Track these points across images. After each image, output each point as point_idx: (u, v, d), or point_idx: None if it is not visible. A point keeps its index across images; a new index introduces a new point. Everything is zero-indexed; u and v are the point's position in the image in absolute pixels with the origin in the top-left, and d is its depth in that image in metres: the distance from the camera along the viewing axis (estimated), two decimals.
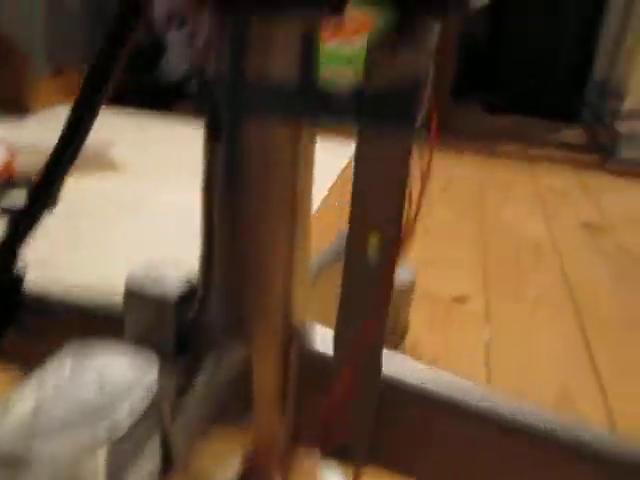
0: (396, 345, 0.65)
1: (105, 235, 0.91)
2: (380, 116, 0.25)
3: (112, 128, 1.48)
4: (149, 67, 2.09)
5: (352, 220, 0.27)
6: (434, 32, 0.25)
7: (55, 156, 0.32)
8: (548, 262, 0.99)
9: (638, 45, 1.48)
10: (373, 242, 0.27)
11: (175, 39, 2.25)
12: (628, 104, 1.49)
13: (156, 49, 2.08)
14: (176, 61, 2.26)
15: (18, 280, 0.32)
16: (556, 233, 1.11)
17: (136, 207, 1.04)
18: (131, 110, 1.66)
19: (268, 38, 0.24)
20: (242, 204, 0.27)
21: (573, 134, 1.97)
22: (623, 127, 1.51)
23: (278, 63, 0.25)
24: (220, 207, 0.28)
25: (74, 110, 0.31)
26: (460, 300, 0.83)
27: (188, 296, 0.30)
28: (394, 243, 0.27)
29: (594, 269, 0.99)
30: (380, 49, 0.24)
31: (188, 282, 0.30)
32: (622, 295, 0.91)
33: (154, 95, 2.03)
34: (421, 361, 0.32)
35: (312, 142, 0.27)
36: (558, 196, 1.33)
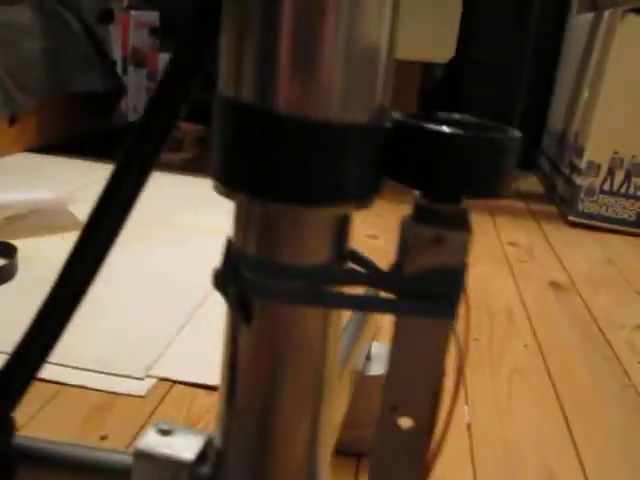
0: None
1: None
2: (420, 299, 0.24)
3: (70, 181, 1.44)
4: (108, 112, 2.05)
5: (385, 398, 0.26)
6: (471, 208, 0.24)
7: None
8: (520, 328, 1.00)
9: (594, 100, 1.52)
10: (406, 424, 0.26)
11: (133, 80, 2.22)
12: (586, 158, 1.53)
13: (115, 92, 2.05)
14: (136, 102, 2.23)
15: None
16: (525, 295, 1.12)
17: (104, 272, 1.00)
18: (90, 159, 1.62)
19: (299, 221, 0.23)
20: (269, 380, 0.25)
21: (530, 183, 2.01)
22: (582, 181, 1.54)
23: (309, 244, 0.24)
24: (244, 381, 0.26)
25: (116, 177, 0.28)
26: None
27: (204, 456, 0.28)
28: (428, 430, 0.25)
29: (564, 333, 1.00)
30: (421, 230, 0.23)
31: (204, 441, 0.28)
32: (592, 360, 0.92)
33: (114, 140, 2.00)
34: None
35: (339, 314, 0.26)
36: (524, 252, 1.35)
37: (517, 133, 0.23)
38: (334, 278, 0.24)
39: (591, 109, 1.53)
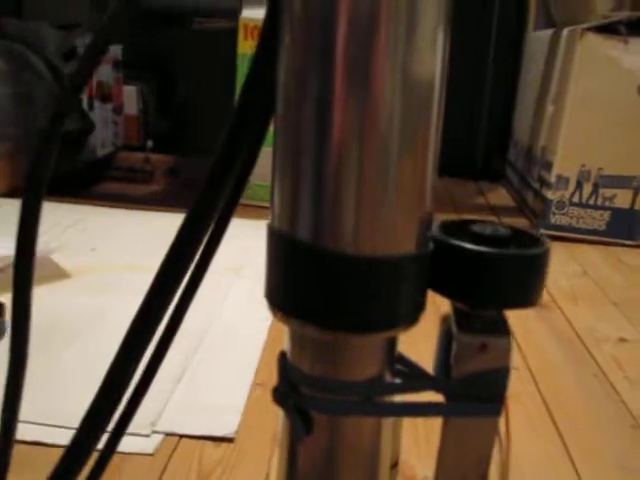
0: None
1: (54, 363, 0.87)
2: (469, 401, 0.26)
3: (49, 226, 1.43)
4: (77, 149, 2.04)
5: None
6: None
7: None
8: None
9: (559, 116, 1.57)
10: None
11: (100, 115, 2.21)
12: (555, 172, 1.57)
13: (84, 129, 2.04)
14: (103, 137, 2.22)
15: None
16: (509, 316, 1.15)
17: (94, 323, 1.00)
18: (56, 200, 1.60)
19: (355, 345, 0.25)
20: None
21: (500, 195, 2.06)
22: (552, 195, 1.59)
23: (363, 363, 0.25)
24: None
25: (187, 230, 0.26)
26: None
27: None
28: None
29: (552, 352, 1.03)
30: (468, 339, 0.25)
31: None
32: (581, 378, 0.95)
33: (82, 177, 1.99)
34: None
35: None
36: None
37: (548, 244, 0.25)
38: (386, 389, 0.26)
39: (557, 124, 1.58)
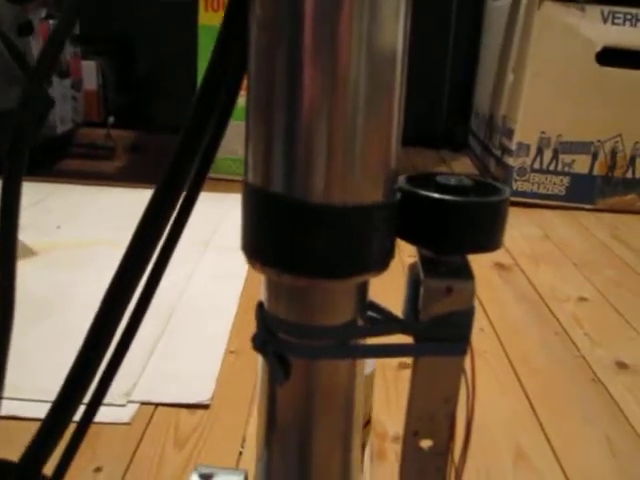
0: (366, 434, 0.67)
1: (20, 342, 0.87)
2: (437, 342, 0.27)
3: None
4: (37, 125, 2.00)
5: (408, 425, 0.29)
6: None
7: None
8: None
9: (519, 85, 1.60)
10: (427, 444, 0.29)
11: (59, 91, 2.17)
12: (516, 140, 1.60)
13: (43, 105, 2.00)
14: (62, 113, 2.18)
15: None
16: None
17: (64, 298, 1.00)
18: (25, 179, 1.58)
19: (327, 290, 0.26)
20: (305, 425, 0.29)
21: (464, 164, 2.09)
22: (513, 162, 1.62)
23: (336, 307, 0.27)
24: (281, 426, 0.29)
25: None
26: (405, 365, 0.87)
27: None
28: (446, 448, 0.29)
29: (515, 312, 1.07)
30: (434, 283, 0.27)
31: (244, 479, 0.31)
32: (544, 336, 0.98)
33: (43, 154, 1.95)
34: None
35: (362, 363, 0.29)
36: None
37: (507, 192, 0.27)
38: (360, 332, 0.27)
39: (517, 93, 1.61)
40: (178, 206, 0.28)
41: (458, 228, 0.26)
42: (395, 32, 0.24)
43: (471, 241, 0.26)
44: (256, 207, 0.25)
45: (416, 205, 0.26)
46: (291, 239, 0.24)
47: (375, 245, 0.25)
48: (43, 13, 2.13)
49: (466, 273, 0.27)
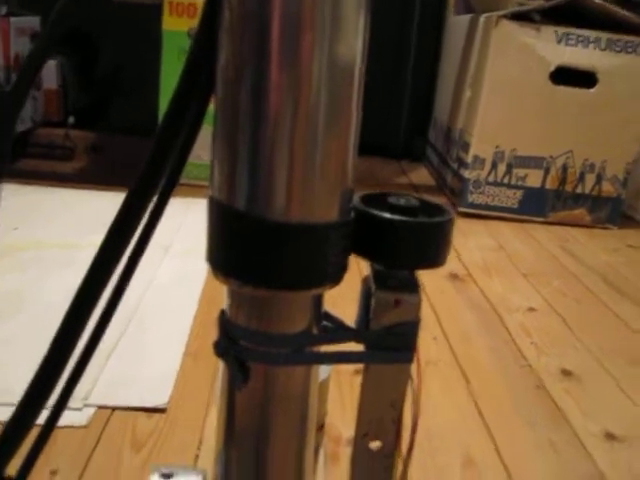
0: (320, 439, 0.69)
1: None
2: (385, 350, 0.30)
3: None
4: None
5: (358, 428, 0.31)
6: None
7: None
8: (427, 321, 1.09)
9: (476, 100, 1.65)
10: (376, 445, 0.32)
11: None
12: (472, 153, 1.65)
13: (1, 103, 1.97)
14: (22, 111, 2.14)
15: None
16: (428, 288, 1.21)
17: (22, 301, 0.99)
18: None
19: (285, 301, 0.28)
20: (262, 426, 0.30)
21: (421, 175, 2.13)
22: (469, 174, 1.67)
23: (293, 317, 0.29)
24: (240, 428, 0.31)
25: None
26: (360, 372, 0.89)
27: None
28: (394, 449, 0.31)
29: (467, 322, 1.10)
30: (384, 295, 0.29)
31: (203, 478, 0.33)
32: (493, 345, 1.02)
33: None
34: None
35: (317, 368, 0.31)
36: None
37: (452, 213, 0.29)
38: (315, 340, 0.29)
39: (474, 108, 1.65)
40: (147, 213, 0.30)
41: (407, 246, 0.28)
42: (354, 53, 0.26)
43: (418, 258, 0.28)
44: (220, 222, 0.27)
45: (369, 224, 0.28)
46: (252, 254, 0.26)
47: (331, 260, 0.27)
48: (3, 10, 2.10)
49: (413, 287, 0.29)
